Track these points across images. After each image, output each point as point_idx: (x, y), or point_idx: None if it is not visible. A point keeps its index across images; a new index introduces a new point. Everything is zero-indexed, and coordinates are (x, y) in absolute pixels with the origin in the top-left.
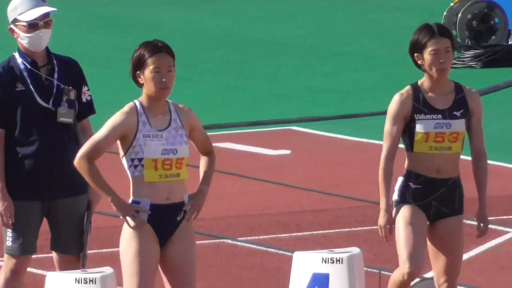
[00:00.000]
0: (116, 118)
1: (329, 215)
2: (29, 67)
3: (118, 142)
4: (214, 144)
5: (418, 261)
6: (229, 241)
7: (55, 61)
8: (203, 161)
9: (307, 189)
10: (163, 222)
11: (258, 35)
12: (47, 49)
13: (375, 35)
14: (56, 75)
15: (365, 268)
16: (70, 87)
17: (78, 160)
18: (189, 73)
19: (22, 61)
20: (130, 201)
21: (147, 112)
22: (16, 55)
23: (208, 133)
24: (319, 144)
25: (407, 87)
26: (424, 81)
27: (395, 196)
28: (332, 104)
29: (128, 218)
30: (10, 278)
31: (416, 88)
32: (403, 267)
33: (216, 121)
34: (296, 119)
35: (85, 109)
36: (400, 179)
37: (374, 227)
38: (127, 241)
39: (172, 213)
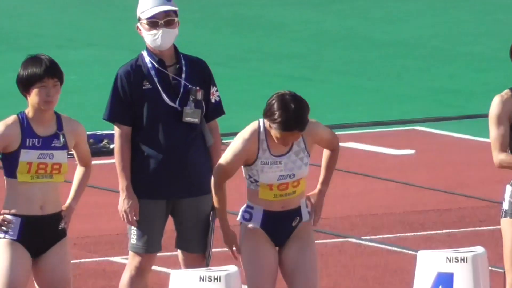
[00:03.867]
0: (238, 146)
1: (453, 214)
2: (156, 66)
3: None
4: None
5: None
6: (353, 240)
7: (183, 61)
8: (325, 155)
9: (431, 188)
10: (278, 228)
11: (381, 35)
12: (175, 48)
13: (499, 36)
14: (183, 75)
15: (489, 268)
16: (198, 88)
17: (213, 190)
18: (312, 73)
19: (150, 60)
20: (245, 204)
21: (268, 139)
22: (144, 53)
23: None
24: (443, 144)
25: (506, 90)
26: None
27: (505, 206)
28: (457, 104)
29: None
30: (135, 276)
31: None
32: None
33: (340, 121)
34: (420, 119)
35: (214, 110)
36: (510, 188)
37: (498, 227)
38: (242, 244)
39: (287, 219)
